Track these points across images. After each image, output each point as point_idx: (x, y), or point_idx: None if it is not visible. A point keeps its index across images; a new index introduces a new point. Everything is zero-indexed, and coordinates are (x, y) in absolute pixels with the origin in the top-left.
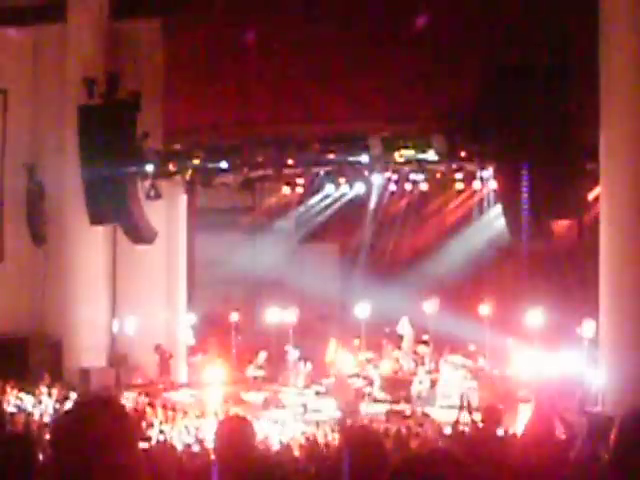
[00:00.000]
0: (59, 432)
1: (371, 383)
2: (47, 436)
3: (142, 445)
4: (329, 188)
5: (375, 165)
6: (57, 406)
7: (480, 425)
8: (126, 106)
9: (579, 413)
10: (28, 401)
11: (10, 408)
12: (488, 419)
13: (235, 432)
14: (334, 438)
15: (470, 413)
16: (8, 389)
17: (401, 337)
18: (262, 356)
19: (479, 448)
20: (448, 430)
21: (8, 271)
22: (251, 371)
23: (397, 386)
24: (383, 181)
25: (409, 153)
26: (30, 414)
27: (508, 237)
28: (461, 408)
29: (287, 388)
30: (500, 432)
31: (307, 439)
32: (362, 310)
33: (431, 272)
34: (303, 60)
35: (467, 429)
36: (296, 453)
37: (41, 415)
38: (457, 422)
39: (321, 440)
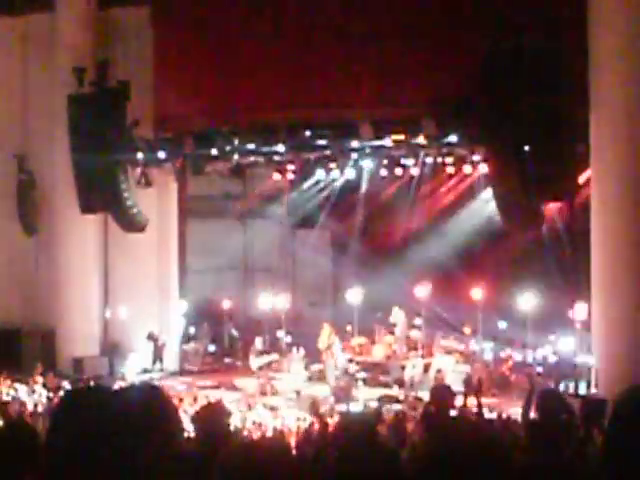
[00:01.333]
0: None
1: (364, 369)
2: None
3: None
4: (320, 174)
5: (365, 150)
6: (50, 395)
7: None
8: (116, 94)
9: (573, 395)
10: (22, 390)
11: (4, 397)
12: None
13: (209, 418)
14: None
15: (477, 397)
16: (1, 379)
17: (394, 324)
18: (258, 342)
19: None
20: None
21: (0, 262)
22: (254, 361)
23: (390, 371)
24: (374, 166)
25: (399, 137)
26: (23, 403)
27: (499, 221)
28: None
29: (280, 374)
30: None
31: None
32: (354, 295)
33: (423, 257)
34: (292, 46)
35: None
36: (291, 439)
37: (35, 404)
38: (465, 405)
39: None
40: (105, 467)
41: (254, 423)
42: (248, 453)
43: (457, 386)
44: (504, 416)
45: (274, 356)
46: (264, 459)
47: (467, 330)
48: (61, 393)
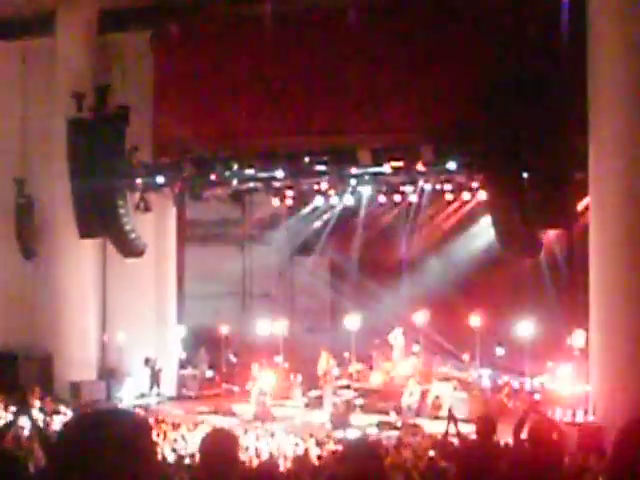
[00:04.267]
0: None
1: (361, 395)
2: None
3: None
4: (318, 200)
5: (364, 176)
6: (47, 419)
7: (474, 436)
8: (115, 119)
9: (570, 423)
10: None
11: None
12: (482, 429)
13: (218, 446)
14: (325, 450)
15: (455, 424)
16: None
17: (391, 348)
18: (255, 368)
19: (470, 459)
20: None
21: None
22: (255, 390)
23: (388, 398)
24: (372, 192)
25: (398, 164)
26: (21, 428)
27: (498, 247)
28: (448, 420)
29: (278, 400)
30: (496, 441)
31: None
32: (352, 322)
33: (421, 284)
34: (292, 73)
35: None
36: (287, 465)
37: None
38: (446, 434)
39: (312, 452)
40: None
41: (247, 449)
42: None
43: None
44: (502, 443)
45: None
46: None
47: (465, 357)
48: (58, 417)
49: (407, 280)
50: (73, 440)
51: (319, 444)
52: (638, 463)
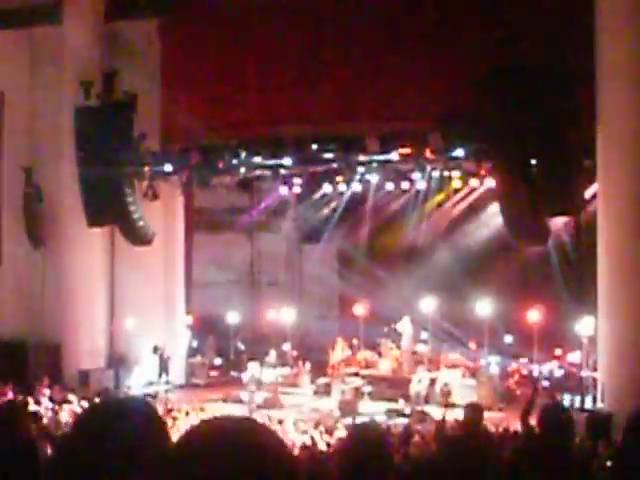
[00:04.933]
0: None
1: (370, 382)
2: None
3: None
4: (326, 187)
5: (372, 164)
6: (56, 408)
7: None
8: (123, 107)
9: (578, 410)
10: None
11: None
12: (469, 416)
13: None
14: (333, 438)
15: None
16: (8, 391)
17: (400, 336)
18: (273, 355)
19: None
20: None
21: (6, 274)
22: (266, 374)
23: (396, 385)
24: (380, 180)
25: (406, 151)
26: (30, 415)
27: (506, 235)
28: (444, 405)
29: (287, 388)
30: (484, 429)
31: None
32: (360, 309)
33: (429, 271)
34: (299, 60)
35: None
36: (296, 452)
37: (40, 417)
38: (443, 420)
39: (321, 440)
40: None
41: None
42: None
43: (463, 400)
44: (511, 430)
45: (284, 370)
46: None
47: (473, 345)
48: (67, 406)
49: (415, 267)
50: (89, 429)
51: (327, 432)
52: None
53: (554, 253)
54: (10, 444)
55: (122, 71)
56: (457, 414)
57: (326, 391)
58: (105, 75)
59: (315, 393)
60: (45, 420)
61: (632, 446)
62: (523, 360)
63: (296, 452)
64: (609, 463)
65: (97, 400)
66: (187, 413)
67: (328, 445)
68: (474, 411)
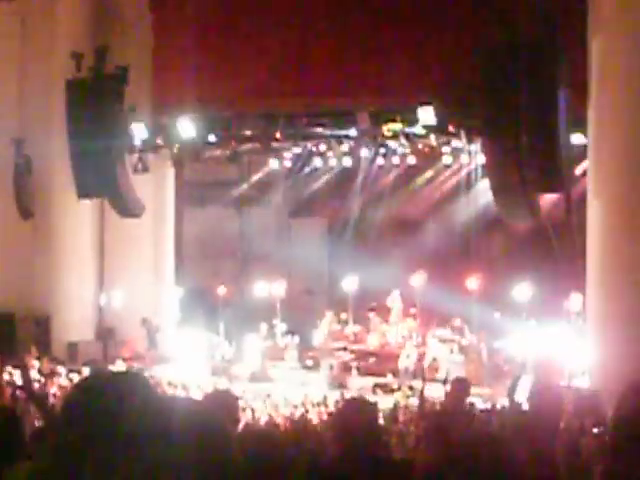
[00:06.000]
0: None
1: (358, 357)
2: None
3: None
4: (317, 162)
5: (363, 139)
6: (44, 380)
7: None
8: (114, 80)
9: (566, 387)
10: (17, 375)
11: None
12: (455, 391)
13: (220, 406)
14: (322, 412)
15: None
16: None
17: (389, 310)
18: (263, 327)
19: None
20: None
21: None
22: (257, 345)
23: (384, 360)
24: (371, 155)
25: (397, 127)
26: (18, 387)
27: (496, 211)
28: (423, 380)
29: (275, 362)
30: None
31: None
32: (350, 284)
33: (419, 246)
34: (291, 33)
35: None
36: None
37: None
38: (422, 395)
39: (310, 414)
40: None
41: (244, 410)
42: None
43: (451, 376)
44: (498, 406)
45: (272, 343)
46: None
47: (460, 321)
48: (55, 378)
49: (405, 242)
50: (83, 401)
51: (316, 406)
52: (638, 427)
53: (544, 230)
54: None
55: (113, 44)
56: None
57: (314, 365)
58: (96, 48)
59: (303, 367)
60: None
61: (623, 422)
62: (511, 336)
63: (286, 425)
64: (597, 443)
65: (86, 372)
66: (172, 386)
67: (317, 419)
68: (460, 386)
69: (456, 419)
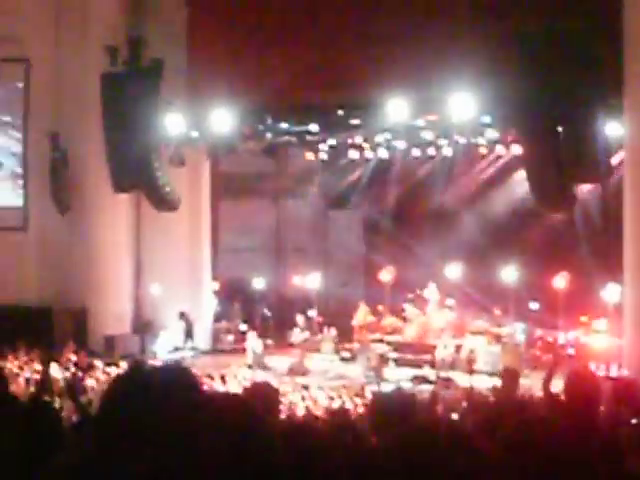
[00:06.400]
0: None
1: (395, 349)
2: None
3: None
4: (353, 154)
5: (398, 130)
6: (81, 374)
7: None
8: (149, 73)
9: (603, 377)
10: (54, 369)
11: (35, 376)
12: (506, 382)
13: (260, 399)
14: (359, 404)
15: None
16: (34, 356)
17: (426, 302)
18: (300, 320)
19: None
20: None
21: (33, 240)
22: (296, 336)
23: (421, 351)
24: (407, 146)
25: (432, 118)
26: (55, 381)
27: (532, 202)
28: (470, 373)
29: (312, 354)
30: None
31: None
32: (386, 275)
33: (455, 237)
34: (327, 25)
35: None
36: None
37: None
38: (470, 388)
39: (347, 406)
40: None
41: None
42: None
43: (488, 367)
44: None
45: (306, 334)
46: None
47: (498, 312)
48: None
49: (441, 234)
50: (125, 395)
51: (353, 398)
52: None
53: (580, 219)
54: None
55: (148, 37)
56: (482, 381)
57: (351, 357)
58: (131, 41)
59: (341, 359)
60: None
61: None
62: (548, 327)
63: (324, 417)
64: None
65: (123, 366)
66: (212, 378)
67: (354, 411)
68: (510, 378)
69: (507, 411)
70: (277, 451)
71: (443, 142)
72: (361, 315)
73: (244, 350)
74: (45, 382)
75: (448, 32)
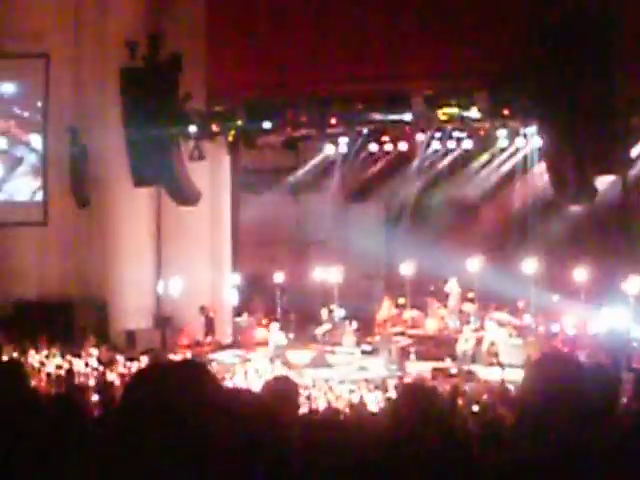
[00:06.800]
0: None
1: (416, 342)
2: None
3: None
4: (372, 147)
5: (418, 123)
6: (102, 368)
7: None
8: (168, 68)
9: (625, 369)
10: (76, 364)
11: (57, 371)
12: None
13: (279, 394)
14: (382, 397)
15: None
16: (55, 351)
17: (447, 295)
18: (325, 313)
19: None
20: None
21: (53, 234)
22: (319, 329)
23: (442, 344)
24: (426, 139)
25: (452, 111)
26: (78, 375)
27: (552, 194)
28: (501, 366)
29: (333, 347)
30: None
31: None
32: (407, 268)
33: (476, 230)
34: (345, 18)
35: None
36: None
37: (87, 377)
38: (503, 381)
39: (369, 399)
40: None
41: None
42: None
43: (509, 359)
44: None
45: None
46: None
47: (519, 304)
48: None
49: (462, 226)
50: (145, 390)
51: (375, 391)
52: None
53: (600, 212)
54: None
55: (167, 31)
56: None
57: (373, 350)
58: (150, 35)
59: (362, 352)
60: (93, 380)
61: None
62: (570, 319)
63: (345, 411)
64: None
65: (144, 360)
66: (231, 372)
67: (377, 404)
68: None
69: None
70: (291, 448)
71: (462, 135)
72: (385, 309)
73: (265, 344)
74: (70, 377)
75: (471, 24)
